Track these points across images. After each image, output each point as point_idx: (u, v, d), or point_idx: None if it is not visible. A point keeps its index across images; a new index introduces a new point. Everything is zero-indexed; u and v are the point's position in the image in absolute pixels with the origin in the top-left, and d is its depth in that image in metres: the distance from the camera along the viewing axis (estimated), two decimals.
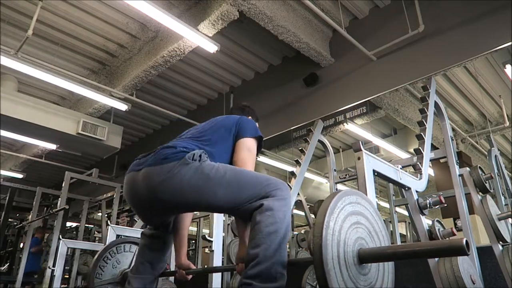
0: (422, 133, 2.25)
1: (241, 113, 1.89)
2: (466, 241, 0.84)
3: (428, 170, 2.15)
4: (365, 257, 1.04)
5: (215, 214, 2.51)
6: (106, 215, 6.59)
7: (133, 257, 2.12)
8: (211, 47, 4.11)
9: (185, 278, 1.72)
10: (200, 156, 1.39)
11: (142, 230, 1.74)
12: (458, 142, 6.34)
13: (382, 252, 1.04)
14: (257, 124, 1.90)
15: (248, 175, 1.40)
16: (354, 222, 1.08)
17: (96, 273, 1.97)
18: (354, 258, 1.03)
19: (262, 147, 1.72)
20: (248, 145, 1.61)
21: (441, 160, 2.59)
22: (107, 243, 2.27)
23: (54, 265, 3.69)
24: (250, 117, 1.89)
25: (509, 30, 3.32)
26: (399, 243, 3.91)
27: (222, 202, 1.33)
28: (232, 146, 1.62)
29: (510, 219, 2.40)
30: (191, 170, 1.34)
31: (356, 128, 5.31)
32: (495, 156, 2.93)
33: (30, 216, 6.63)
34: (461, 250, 0.84)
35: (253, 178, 1.38)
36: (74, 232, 7.96)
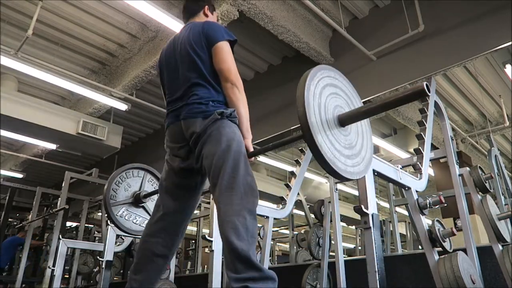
0: (422, 133, 2.25)
1: (198, 8, 1.89)
2: (426, 84, 0.98)
3: (428, 170, 2.15)
4: (344, 119, 1.20)
5: (216, 214, 2.50)
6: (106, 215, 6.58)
7: (142, 181, 2.38)
8: None
9: None
10: (230, 114, 1.55)
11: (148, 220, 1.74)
12: (458, 142, 6.34)
13: (358, 111, 1.20)
14: (215, 13, 1.94)
15: (244, 175, 1.44)
16: (332, 92, 1.24)
17: (110, 195, 2.22)
18: (335, 120, 1.19)
19: (236, 41, 1.72)
20: (223, 47, 1.63)
21: (441, 160, 2.59)
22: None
23: (54, 265, 3.70)
24: (206, 6, 1.89)
25: (509, 30, 3.32)
26: (399, 243, 3.90)
27: (216, 156, 1.44)
28: (209, 59, 1.64)
29: (510, 219, 2.40)
30: (218, 124, 1.51)
31: None
32: (495, 156, 2.93)
33: (30, 216, 6.63)
34: (422, 92, 0.99)
35: (245, 182, 1.43)
36: (74, 232, 7.96)
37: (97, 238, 7.72)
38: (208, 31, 1.66)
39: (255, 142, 5.21)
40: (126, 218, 2.25)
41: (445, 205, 1.88)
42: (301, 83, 1.15)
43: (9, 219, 8.07)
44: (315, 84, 1.16)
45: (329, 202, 3.12)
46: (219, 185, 1.40)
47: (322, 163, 1.10)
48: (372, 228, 1.51)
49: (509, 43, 3.34)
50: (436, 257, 1.78)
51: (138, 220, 2.29)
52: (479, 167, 2.54)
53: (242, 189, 1.38)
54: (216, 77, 1.64)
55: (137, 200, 2.30)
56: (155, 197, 2.12)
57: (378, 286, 1.43)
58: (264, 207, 2.62)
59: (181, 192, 1.66)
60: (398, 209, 4.24)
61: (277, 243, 9.90)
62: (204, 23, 1.72)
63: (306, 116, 1.11)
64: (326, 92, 1.20)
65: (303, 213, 5.17)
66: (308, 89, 1.14)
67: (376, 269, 1.46)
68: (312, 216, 4.77)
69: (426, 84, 0.96)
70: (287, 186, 2.87)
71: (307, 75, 1.16)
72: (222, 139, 1.46)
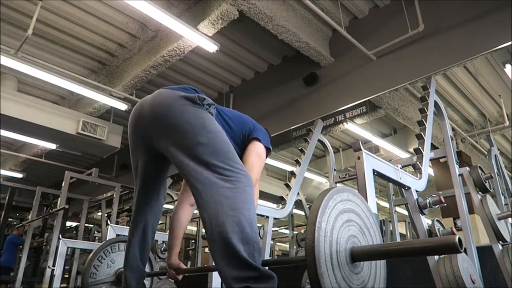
0: (422, 133, 2.25)
1: None
2: (459, 238, 0.82)
3: (428, 169, 2.15)
4: (358, 256, 1.04)
5: None
6: (106, 215, 6.58)
7: None
8: (211, 47, 4.11)
9: (176, 277, 1.73)
10: (209, 105, 1.46)
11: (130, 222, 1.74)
12: (458, 141, 6.33)
13: (374, 250, 1.03)
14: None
15: (229, 149, 1.40)
16: (345, 220, 1.07)
17: (90, 273, 1.97)
18: (347, 257, 1.02)
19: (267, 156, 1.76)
20: (258, 149, 1.65)
21: (441, 160, 2.58)
22: None
23: (54, 265, 3.69)
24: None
25: (509, 30, 3.32)
26: None
27: (197, 150, 1.34)
28: (241, 140, 1.67)
29: (510, 218, 2.40)
30: (195, 109, 1.42)
31: (356, 128, 5.31)
32: (495, 155, 2.93)
33: (30, 216, 6.63)
34: (454, 248, 0.82)
35: (230, 155, 1.38)
36: (74, 232, 7.96)
37: (97, 238, 7.73)
38: (258, 128, 1.73)
39: None
40: None
41: (445, 205, 1.88)
42: (311, 223, 0.98)
43: (9, 219, 8.07)
44: (327, 218, 1.01)
45: None
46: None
47: None
48: None
49: (509, 43, 3.34)
50: (436, 257, 1.78)
51: None
52: (479, 166, 2.54)
53: None
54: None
55: (119, 279, 2.04)
56: None
57: None
58: (264, 207, 2.62)
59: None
60: (398, 209, 4.23)
61: (277, 243, 9.89)
62: (256, 123, 1.78)
63: (314, 252, 0.93)
64: (339, 223, 1.05)
65: (303, 213, 5.17)
66: (319, 230, 0.97)
67: None
68: None
69: (459, 238, 0.82)
70: (287, 186, 2.87)
71: (318, 209, 1.01)
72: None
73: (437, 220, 1.89)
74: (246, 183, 1.31)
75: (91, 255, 2.02)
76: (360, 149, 1.62)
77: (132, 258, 1.65)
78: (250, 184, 1.34)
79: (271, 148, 1.73)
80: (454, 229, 1.83)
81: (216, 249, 1.20)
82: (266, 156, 1.72)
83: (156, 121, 1.44)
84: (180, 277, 1.74)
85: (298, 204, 4.86)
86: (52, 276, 3.85)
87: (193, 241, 8.03)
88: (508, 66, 4.34)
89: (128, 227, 1.71)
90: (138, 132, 1.57)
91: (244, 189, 1.29)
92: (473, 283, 1.66)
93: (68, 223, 8.05)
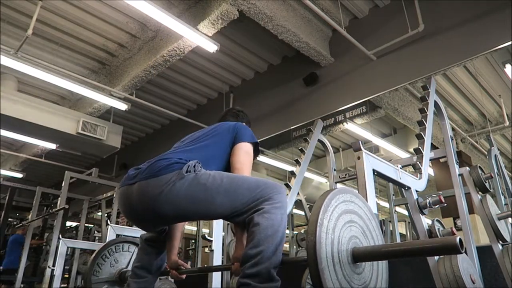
0: (422, 133, 2.25)
1: (236, 119, 1.96)
2: (460, 239, 0.83)
3: (428, 169, 2.15)
4: (359, 256, 1.04)
5: None
6: (106, 215, 6.59)
7: (131, 257, 2.14)
8: (211, 47, 4.11)
9: (179, 277, 1.75)
10: (194, 166, 1.40)
11: (141, 234, 1.76)
12: (458, 141, 6.33)
13: (376, 251, 1.03)
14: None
15: (244, 180, 1.41)
16: (348, 220, 1.08)
17: (93, 271, 1.98)
18: (348, 257, 1.03)
19: (260, 150, 1.77)
20: (246, 148, 1.65)
21: (441, 160, 2.58)
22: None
23: (54, 265, 3.69)
24: (244, 123, 1.94)
25: (509, 30, 3.32)
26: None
27: (220, 209, 1.35)
28: (227, 151, 1.65)
29: (510, 218, 2.41)
30: (187, 182, 1.35)
31: (356, 128, 5.31)
32: (495, 155, 2.93)
33: (30, 216, 6.63)
34: (455, 249, 0.83)
35: (250, 183, 1.39)
36: (74, 232, 7.97)
37: (97, 238, 7.73)
38: (239, 129, 1.71)
39: None
40: None
41: (445, 204, 1.88)
42: (313, 220, 0.99)
43: (9, 219, 8.08)
44: (329, 216, 1.02)
45: None
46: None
47: None
48: None
49: (509, 43, 3.34)
50: (436, 257, 1.78)
51: None
52: (479, 166, 2.54)
53: None
54: (216, 161, 1.61)
55: (122, 279, 2.04)
56: None
57: None
58: None
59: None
60: (398, 208, 4.24)
61: None
62: (237, 123, 1.78)
63: (315, 247, 0.94)
64: (341, 223, 1.06)
65: (303, 213, 5.17)
66: (321, 226, 0.97)
67: None
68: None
69: (460, 239, 0.83)
70: (287, 186, 2.87)
71: (320, 207, 1.02)
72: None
73: (437, 220, 1.89)
74: (277, 199, 1.36)
75: (95, 253, 2.02)
76: (360, 149, 1.62)
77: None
78: (280, 191, 1.38)
79: (257, 141, 1.73)
80: (454, 229, 1.83)
81: None
82: (257, 150, 1.73)
83: (163, 219, 1.45)
84: (183, 276, 1.76)
85: (298, 204, 4.87)
86: (52, 276, 3.85)
87: (193, 241, 8.03)
88: (508, 66, 4.35)
89: (129, 227, 1.73)
90: (141, 222, 1.54)
91: (278, 207, 1.34)
92: (473, 283, 1.66)
93: (68, 223, 8.06)
